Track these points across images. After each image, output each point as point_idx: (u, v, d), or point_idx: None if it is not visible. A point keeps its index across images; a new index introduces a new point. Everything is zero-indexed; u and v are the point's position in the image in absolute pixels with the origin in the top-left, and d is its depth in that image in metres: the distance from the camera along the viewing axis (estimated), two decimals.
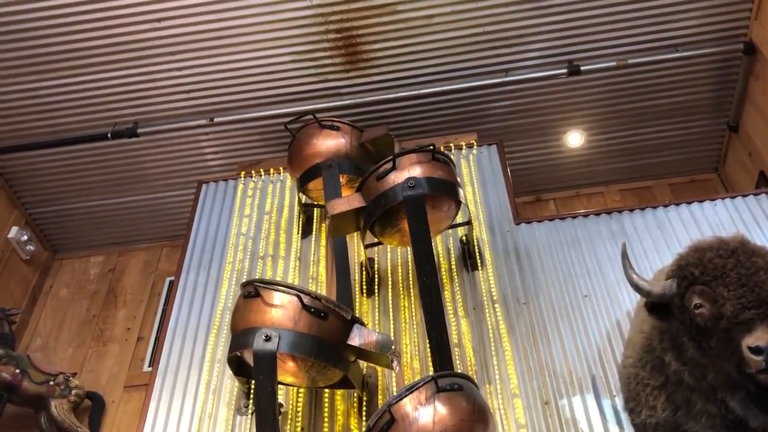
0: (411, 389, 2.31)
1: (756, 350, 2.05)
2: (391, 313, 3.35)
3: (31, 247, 5.02)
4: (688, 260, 2.34)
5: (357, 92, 4.64)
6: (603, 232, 3.59)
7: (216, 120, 4.69)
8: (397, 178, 2.99)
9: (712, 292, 2.22)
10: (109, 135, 4.69)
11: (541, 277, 3.43)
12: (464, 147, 4.17)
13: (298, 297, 2.57)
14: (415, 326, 3.29)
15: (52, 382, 3.82)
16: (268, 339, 2.46)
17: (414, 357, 3.18)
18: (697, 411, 2.41)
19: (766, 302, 2.14)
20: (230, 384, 3.17)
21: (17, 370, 3.75)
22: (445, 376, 2.39)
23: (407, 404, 2.28)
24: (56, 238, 5.35)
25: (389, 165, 3.03)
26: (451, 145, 4.19)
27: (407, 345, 3.22)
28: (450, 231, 3.61)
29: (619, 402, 2.86)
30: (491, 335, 3.19)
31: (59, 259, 5.36)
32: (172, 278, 4.24)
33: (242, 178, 4.25)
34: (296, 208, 3.90)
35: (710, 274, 2.24)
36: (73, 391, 3.84)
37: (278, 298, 2.58)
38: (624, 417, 2.81)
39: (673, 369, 2.45)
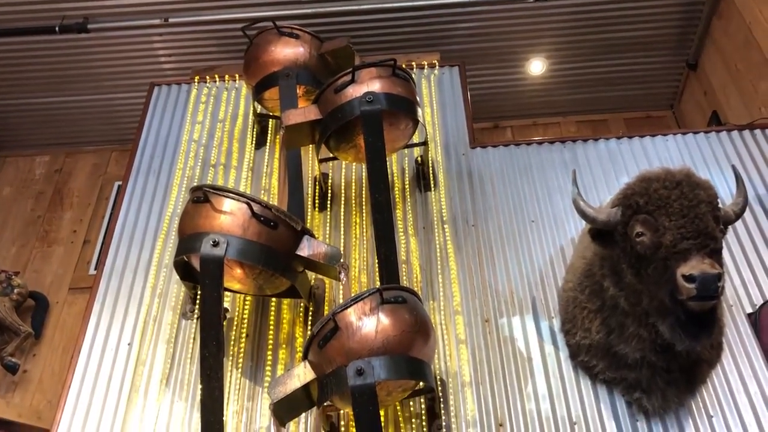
0: (356, 300, 2.34)
1: (689, 278, 2.15)
2: (342, 228, 3.36)
3: None
4: (634, 189, 2.40)
5: (319, 0, 4.50)
6: (555, 160, 3.63)
7: (171, 20, 4.50)
8: (355, 91, 2.94)
9: (654, 222, 2.29)
10: (56, 29, 4.47)
11: (492, 201, 3.47)
12: (426, 67, 4.11)
13: (248, 205, 2.54)
14: (365, 242, 3.32)
15: None
16: (215, 244, 2.45)
17: (362, 271, 3.22)
18: (629, 334, 2.52)
19: (703, 233, 2.23)
20: (176, 289, 3.17)
21: None
22: (391, 289, 2.43)
23: (352, 314, 2.32)
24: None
25: (348, 78, 2.96)
26: (413, 63, 4.12)
27: (356, 260, 3.25)
28: (405, 151, 3.60)
29: (557, 323, 2.97)
30: (438, 254, 3.24)
31: (2, 156, 5.18)
32: (121, 182, 4.16)
33: (196, 83, 4.12)
34: (251, 117, 3.82)
35: (654, 204, 2.31)
36: (16, 290, 3.79)
37: (228, 204, 2.55)
38: (560, 338, 2.92)
39: (611, 294, 2.55)
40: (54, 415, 2.93)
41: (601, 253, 2.60)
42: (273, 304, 3.07)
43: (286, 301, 3.08)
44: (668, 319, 2.30)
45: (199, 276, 2.50)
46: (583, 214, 2.51)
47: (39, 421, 3.31)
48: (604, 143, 3.69)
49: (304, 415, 2.70)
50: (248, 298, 3.08)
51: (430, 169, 3.52)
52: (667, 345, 2.42)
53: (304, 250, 2.66)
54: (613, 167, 3.56)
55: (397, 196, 3.46)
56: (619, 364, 2.62)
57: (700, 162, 3.56)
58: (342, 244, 3.29)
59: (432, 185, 3.50)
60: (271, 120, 3.81)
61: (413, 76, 3.22)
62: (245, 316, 3.04)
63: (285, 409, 2.42)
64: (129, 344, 3.05)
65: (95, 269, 4.33)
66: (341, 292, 3.04)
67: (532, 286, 3.13)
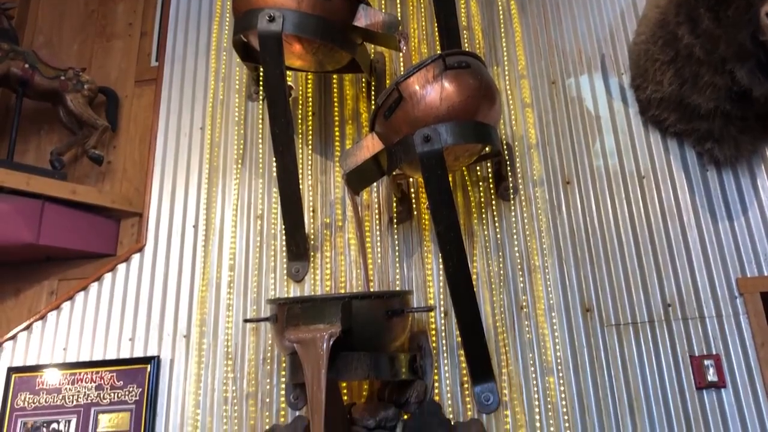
0: (419, 67, 2.30)
1: None
2: None
3: None
4: None
5: None
6: None
7: None
8: None
9: None
10: None
11: None
12: None
13: None
14: (422, 10, 3.18)
15: (63, 77, 3.83)
16: (272, 19, 2.39)
17: (422, 42, 3.12)
18: (703, 84, 2.43)
19: None
20: (239, 71, 3.18)
21: (26, 65, 3.74)
22: (453, 55, 2.37)
23: (415, 82, 2.30)
24: None
25: None
26: None
27: (415, 29, 3.15)
28: None
29: (626, 79, 2.87)
30: (501, 17, 3.09)
31: None
32: None
33: None
34: None
35: None
36: (86, 86, 3.86)
37: None
38: (630, 94, 2.85)
39: (685, 43, 2.42)
40: (143, 199, 3.15)
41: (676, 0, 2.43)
42: (335, 81, 3.06)
43: (347, 77, 3.06)
44: (748, 63, 2.19)
45: (260, 54, 2.48)
46: None
47: (130, 206, 3.54)
48: None
49: (375, 184, 2.80)
50: (310, 76, 3.08)
51: None
52: (744, 92, 2.33)
53: (361, 19, 2.58)
54: None
55: None
56: (691, 116, 2.56)
57: None
58: (399, 14, 3.17)
59: None
60: None
61: None
62: (309, 94, 3.06)
63: (357, 179, 2.52)
64: (201, 128, 3.15)
65: (156, 61, 4.36)
66: (402, 64, 2.99)
67: (602, 42, 2.99)
